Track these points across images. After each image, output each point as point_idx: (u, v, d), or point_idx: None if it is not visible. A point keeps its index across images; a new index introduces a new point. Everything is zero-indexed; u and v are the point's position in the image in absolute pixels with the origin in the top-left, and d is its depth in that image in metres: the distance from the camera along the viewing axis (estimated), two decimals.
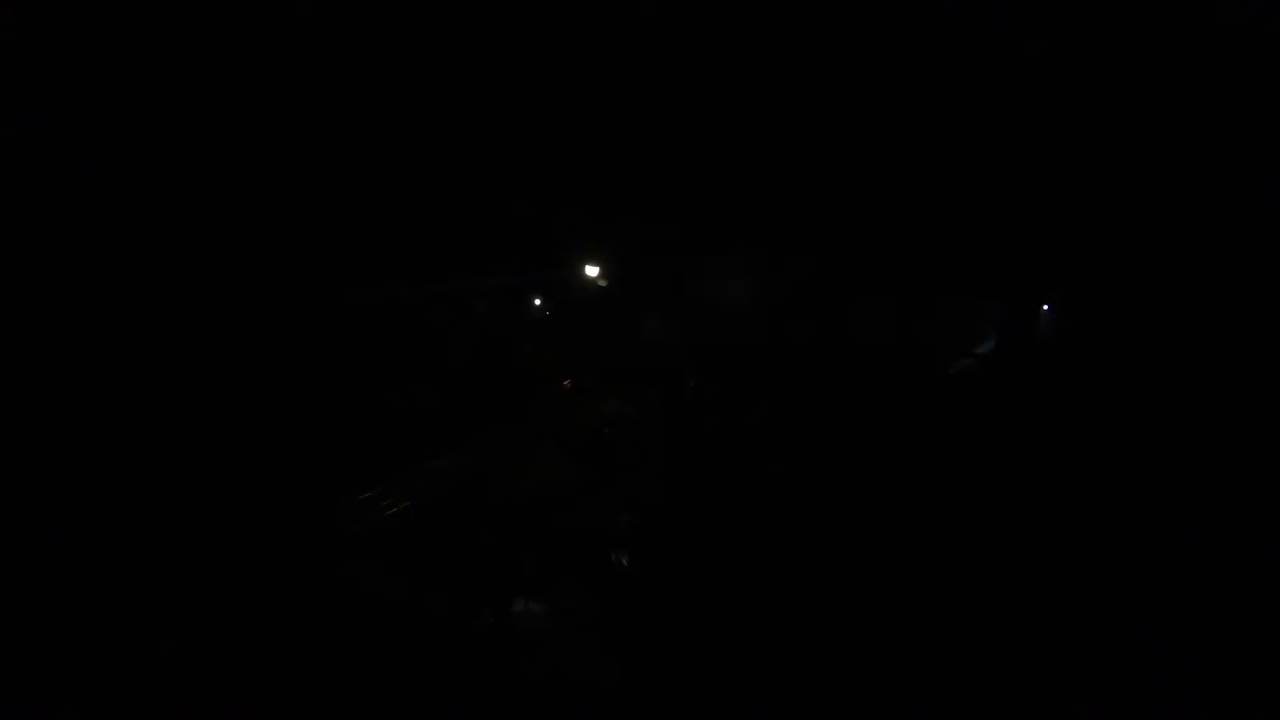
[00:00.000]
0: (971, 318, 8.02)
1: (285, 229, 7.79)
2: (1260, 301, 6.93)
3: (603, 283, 8.73)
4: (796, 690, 4.93)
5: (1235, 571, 5.48)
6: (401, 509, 6.36)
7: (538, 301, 8.70)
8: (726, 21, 8.17)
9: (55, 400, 6.31)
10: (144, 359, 6.76)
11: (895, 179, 8.39)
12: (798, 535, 6.25)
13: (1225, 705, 4.71)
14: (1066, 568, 5.73)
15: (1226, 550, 5.66)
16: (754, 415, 7.78)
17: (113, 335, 6.75)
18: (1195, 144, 7.16)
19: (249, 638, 5.09)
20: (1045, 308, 7.98)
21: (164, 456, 6.31)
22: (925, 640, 5.22)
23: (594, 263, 8.67)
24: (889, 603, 5.52)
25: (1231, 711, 4.69)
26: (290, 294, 7.64)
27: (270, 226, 7.74)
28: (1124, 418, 6.87)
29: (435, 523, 6.28)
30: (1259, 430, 6.39)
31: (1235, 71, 6.72)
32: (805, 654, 5.14)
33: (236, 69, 7.47)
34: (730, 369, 8.27)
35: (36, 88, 6.75)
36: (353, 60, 7.94)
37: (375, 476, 6.52)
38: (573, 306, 8.70)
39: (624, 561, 6.03)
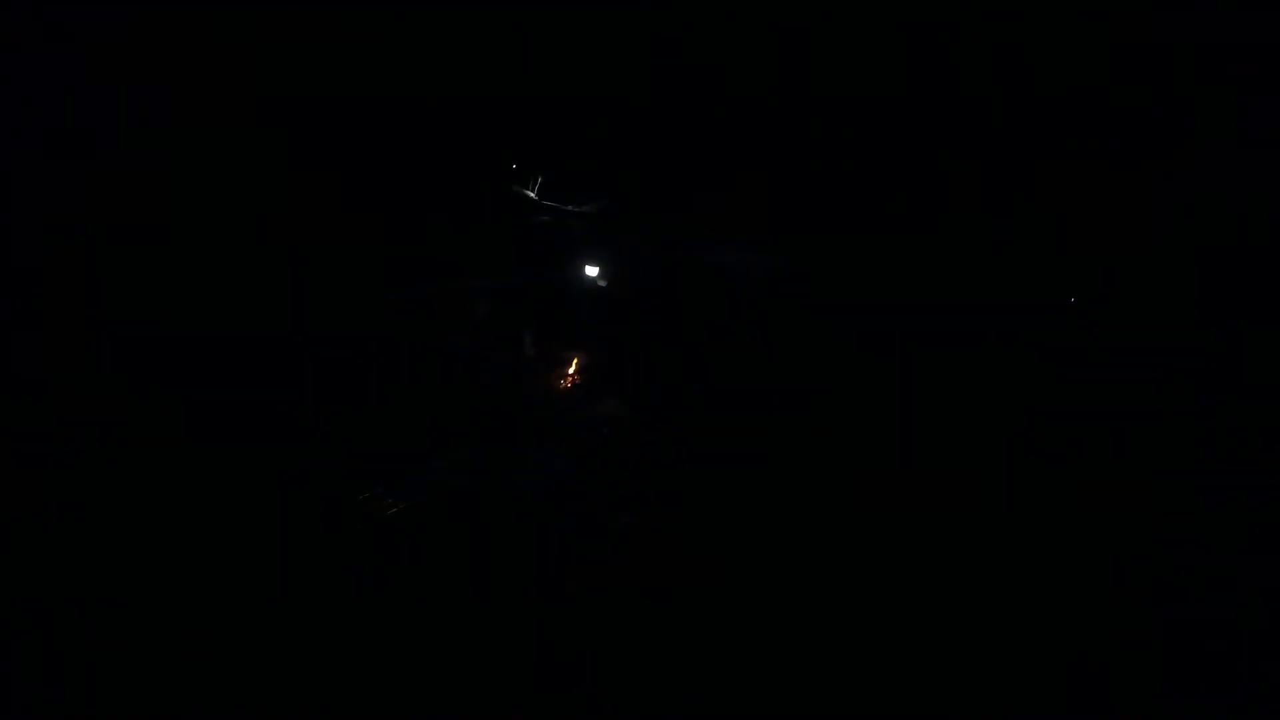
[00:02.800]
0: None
1: (284, 230, 7.79)
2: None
3: (603, 283, 8.72)
4: (798, 690, 4.93)
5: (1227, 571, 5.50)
6: (401, 509, 6.35)
7: (536, 302, 8.68)
8: (726, 21, 8.19)
9: (55, 398, 6.31)
10: (144, 358, 6.76)
11: (897, 178, 8.40)
12: (799, 535, 6.25)
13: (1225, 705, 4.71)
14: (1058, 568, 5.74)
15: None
16: (755, 415, 7.78)
17: (113, 333, 6.75)
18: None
19: (248, 637, 5.09)
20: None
21: (163, 455, 6.31)
22: (926, 641, 5.22)
23: (594, 263, 8.66)
24: (891, 603, 5.52)
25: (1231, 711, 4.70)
26: (290, 294, 7.64)
27: (269, 227, 7.74)
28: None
29: (435, 523, 6.27)
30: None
31: None
32: (807, 654, 5.15)
33: (237, 68, 7.48)
34: (733, 369, 8.26)
35: (36, 88, 6.77)
36: (352, 59, 7.95)
37: (375, 476, 6.51)
38: (573, 306, 8.68)
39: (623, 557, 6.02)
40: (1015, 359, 7.60)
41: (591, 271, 8.53)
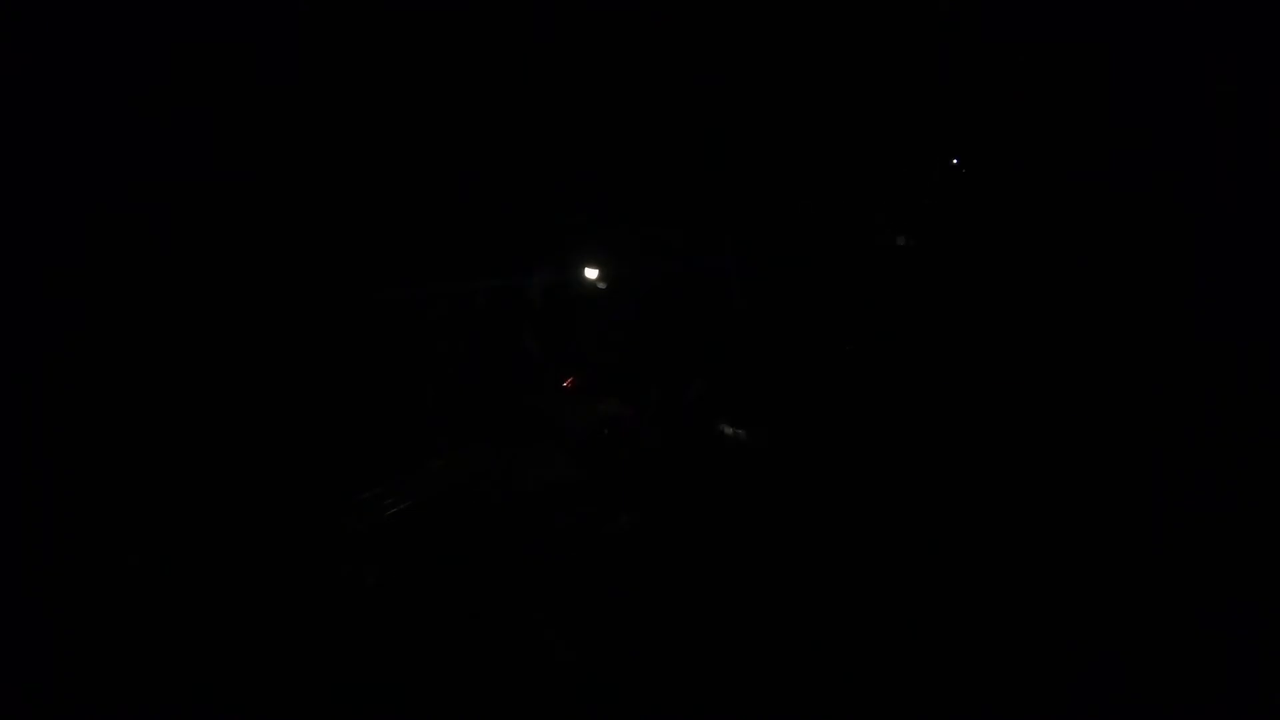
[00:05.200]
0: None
1: (284, 230, 7.80)
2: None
3: (602, 285, 8.74)
4: (797, 690, 4.93)
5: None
6: (401, 509, 6.35)
7: (538, 302, 8.70)
8: (725, 21, 8.20)
9: (57, 396, 6.31)
10: (145, 357, 6.77)
11: (893, 177, 8.42)
12: (799, 536, 6.25)
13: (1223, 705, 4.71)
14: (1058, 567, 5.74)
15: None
16: (758, 416, 7.79)
17: (115, 332, 6.76)
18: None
19: (248, 637, 5.09)
20: None
21: (164, 455, 6.31)
22: (926, 642, 5.22)
23: (594, 264, 8.68)
24: (890, 604, 5.52)
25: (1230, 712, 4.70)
26: (290, 294, 7.65)
27: (269, 227, 7.75)
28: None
29: (435, 523, 6.27)
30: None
31: None
32: (806, 654, 5.15)
33: (237, 68, 7.49)
34: (735, 370, 8.27)
35: (37, 87, 6.77)
36: (353, 60, 7.96)
37: (375, 476, 6.51)
38: (573, 306, 8.70)
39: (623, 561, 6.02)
40: (1013, 358, 7.61)
41: (591, 272, 8.55)
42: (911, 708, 4.83)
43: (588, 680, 4.99)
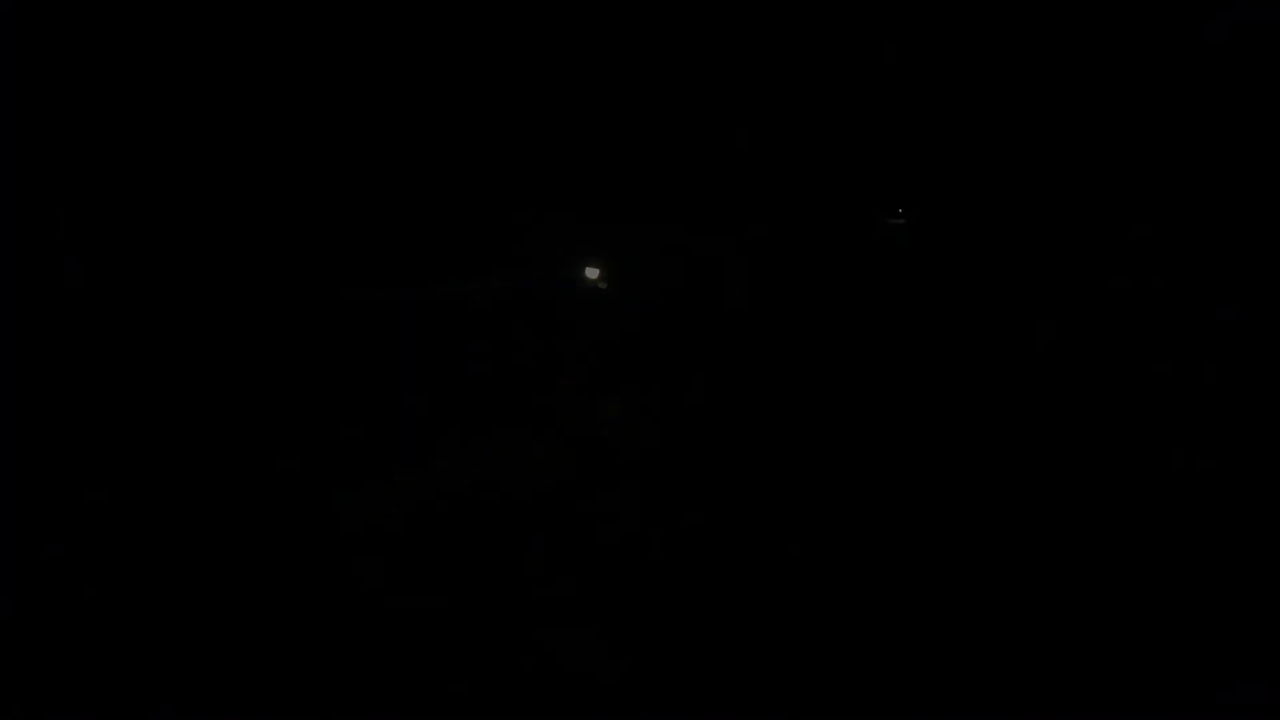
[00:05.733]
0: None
1: (284, 229, 7.80)
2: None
3: (603, 285, 8.73)
4: (797, 690, 4.93)
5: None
6: (401, 509, 6.36)
7: (537, 303, 8.69)
8: (724, 22, 8.21)
9: (57, 396, 6.31)
10: (144, 357, 6.76)
11: (891, 177, 8.42)
12: (799, 536, 6.25)
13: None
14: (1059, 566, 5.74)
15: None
16: (758, 419, 7.78)
17: (115, 332, 6.76)
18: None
19: (248, 637, 5.09)
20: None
21: (164, 456, 6.31)
22: (928, 642, 5.22)
23: (594, 264, 8.67)
24: (892, 604, 5.52)
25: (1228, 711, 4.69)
26: (289, 294, 7.65)
27: (269, 226, 7.75)
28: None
29: (435, 523, 6.28)
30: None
31: None
32: (806, 654, 5.15)
33: (236, 68, 7.49)
34: (735, 370, 8.26)
35: (36, 87, 6.77)
36: (352, 60, 7.96)
37: (375, 476, 6.51)
38: (573, 307, 8.70)
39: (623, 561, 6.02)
40: (1016, 357, 7.61)
41: (591, 272, 8.54)
42: (911, 707, 4.83)
43: (587, 680, 4.99)
